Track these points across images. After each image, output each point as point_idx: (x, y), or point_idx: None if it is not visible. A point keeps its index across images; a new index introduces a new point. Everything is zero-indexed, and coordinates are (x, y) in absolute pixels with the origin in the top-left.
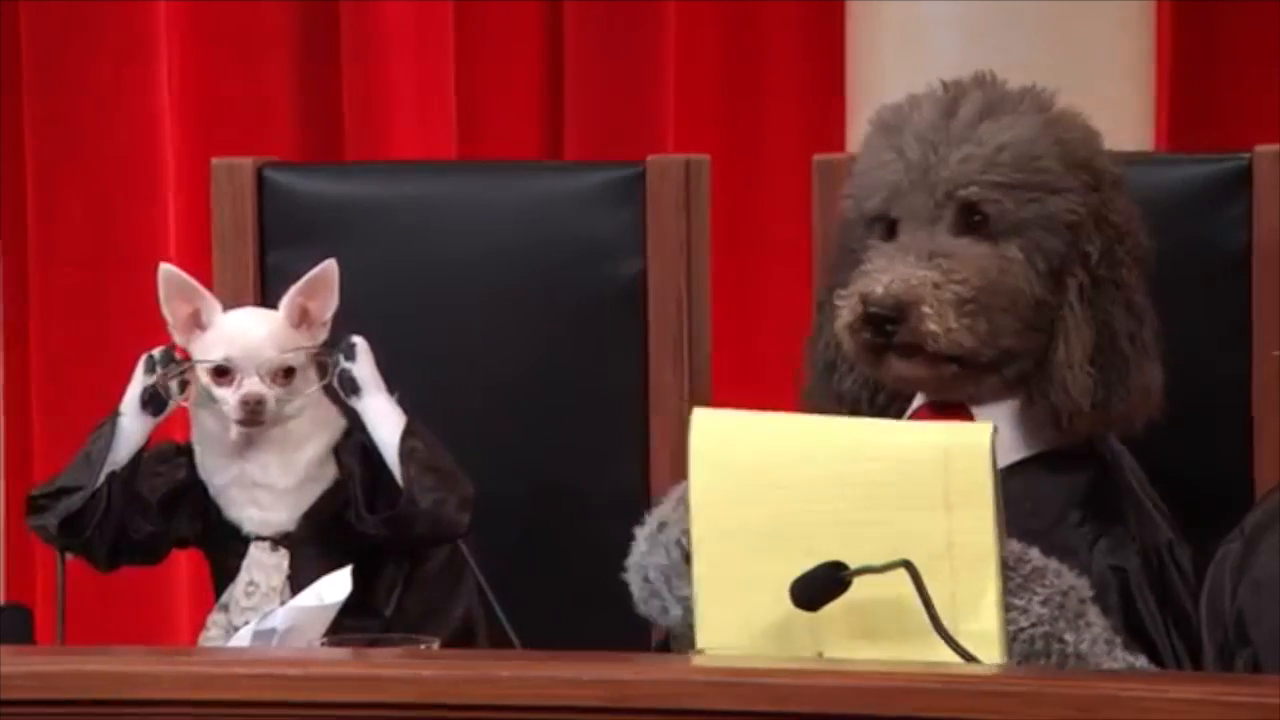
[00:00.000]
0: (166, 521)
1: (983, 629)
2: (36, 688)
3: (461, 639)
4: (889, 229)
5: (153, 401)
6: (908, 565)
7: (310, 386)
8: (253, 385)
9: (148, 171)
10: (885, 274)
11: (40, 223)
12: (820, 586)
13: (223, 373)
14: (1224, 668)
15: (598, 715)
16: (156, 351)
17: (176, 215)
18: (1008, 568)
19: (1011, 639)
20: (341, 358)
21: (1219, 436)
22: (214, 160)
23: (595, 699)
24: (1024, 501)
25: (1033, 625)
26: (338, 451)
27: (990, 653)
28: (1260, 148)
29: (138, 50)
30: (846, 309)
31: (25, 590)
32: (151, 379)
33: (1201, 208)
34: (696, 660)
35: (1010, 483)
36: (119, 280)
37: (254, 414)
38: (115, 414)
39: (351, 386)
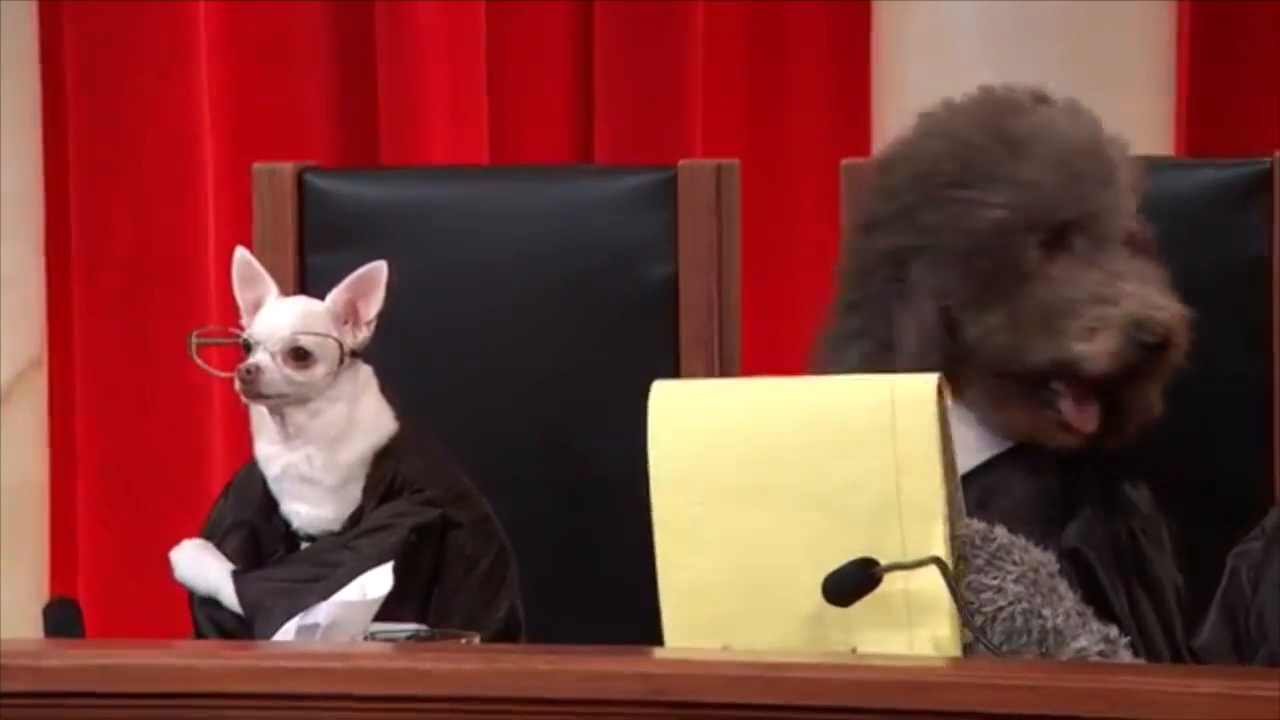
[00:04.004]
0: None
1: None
2: (88, 681)
3: (503, 637)
4: (1056, 241)
5: None
6: (938, 561)
7: (341, 378)
8: (256, 357)
9: (189, 177)
10: (1144, 297)
11: (84, 226)
12: (851, 583)
13: (247, 349)
14: (1240, 665)
15: (635, 708)
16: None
17: (217, 219)
18: (973, 545)
19: (991, 619)
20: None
21: (1240, 437)
22: (255, 165)
23: (633, 692)
24: (997, 493)
25: (1010, 604)
26: (384, 454)
27: (939, 601)
28: None
29: (179, 60)
30: (1106, 333)
31: (67, 582)
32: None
33: (1222, 212)
34: (732, 655)
35: (983, 476)
36: (161, 282)
37: (247, 383)
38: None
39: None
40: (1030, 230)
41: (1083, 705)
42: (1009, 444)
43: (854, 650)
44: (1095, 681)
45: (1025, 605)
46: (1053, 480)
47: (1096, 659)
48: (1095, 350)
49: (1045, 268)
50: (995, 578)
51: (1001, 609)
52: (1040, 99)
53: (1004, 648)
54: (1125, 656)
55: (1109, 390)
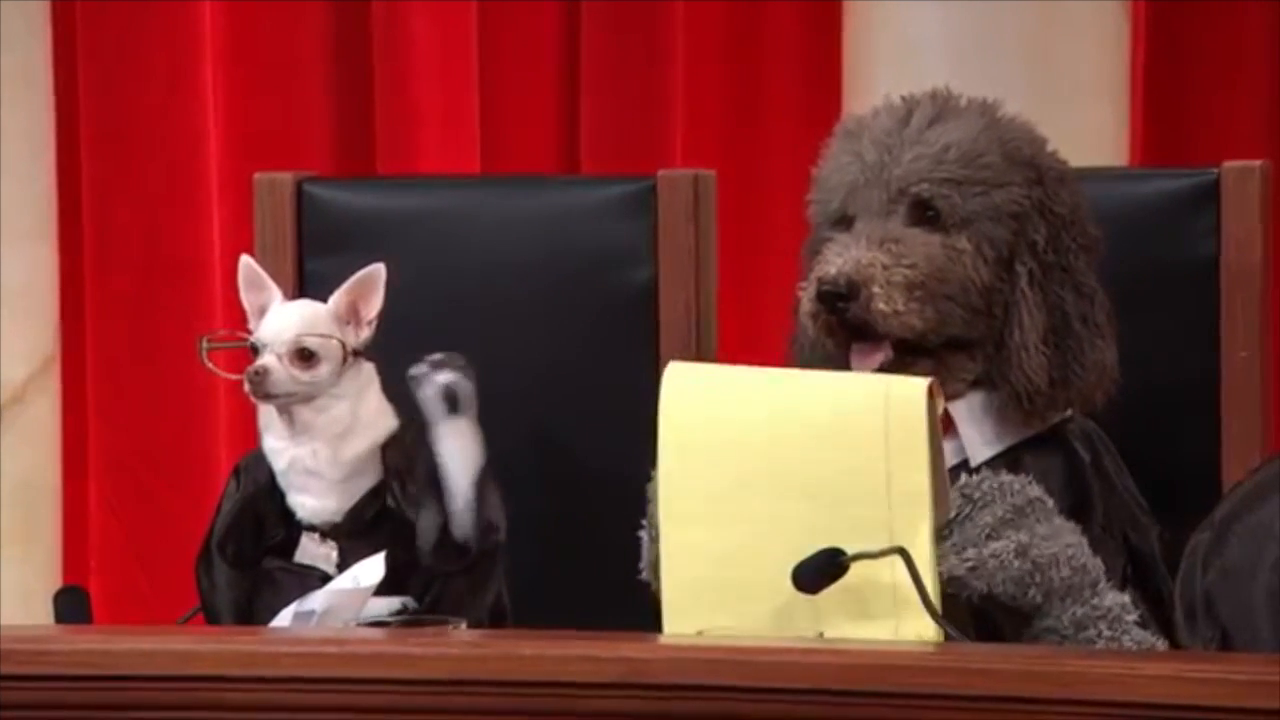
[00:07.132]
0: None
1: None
2: (96, 664)
3: (490, 625)
4: (848, 226)
5: None
6: (901, 552)
7: (345, 376)
8: (263, 360)
9: (195, 185)
10: (839, 257)
11: (96, 232)
12: (819, 571)
13: (254, 351)
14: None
15: (614, 690)
16: None
17: (221, 226)
18: (1028, 501)
19: (1054, 561)
20: (460, 376)
21: (1189, 434)
22: (256, 175)
23: (612, 675)
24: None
25: (1072, 545)
26: (384, 449)
27: (925, 575)
28: (1228, 163)
29: (185, 74)
30: (805, 296)
31: (80, 572)
32: None
33: (1173, 220)
34: (706, 640)
35: (1001, 462)
36: (169, 286)
37: (255, 384)
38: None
39: (454, 404)
40: (832, 223)
41: (1038, 687)
42: (1008, 443)
43: (820, 635)
44: (1049, 665)
45: (1086, 550)
46: (1062, 466)
47: (1132, 620)
48: (803, 310)
49: (826, 248)
50: (1050, 526)
51: (1068, 545)
52: (899, 98)
53: (1070, 581)
54: (1133, 627)
55: (927, 352)
